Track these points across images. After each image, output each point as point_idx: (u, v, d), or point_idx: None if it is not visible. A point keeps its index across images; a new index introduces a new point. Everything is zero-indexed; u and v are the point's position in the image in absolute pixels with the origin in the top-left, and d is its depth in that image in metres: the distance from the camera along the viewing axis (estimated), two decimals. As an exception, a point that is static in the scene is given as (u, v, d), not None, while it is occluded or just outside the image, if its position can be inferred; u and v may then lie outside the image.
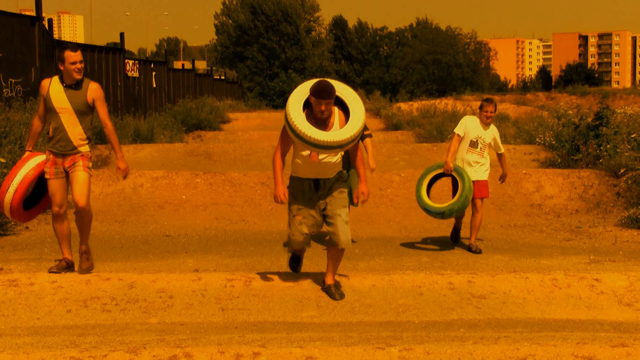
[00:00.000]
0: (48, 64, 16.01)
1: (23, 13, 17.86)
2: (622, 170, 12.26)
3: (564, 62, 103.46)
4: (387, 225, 11.18)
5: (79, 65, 6.56)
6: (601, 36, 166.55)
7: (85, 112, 6.63)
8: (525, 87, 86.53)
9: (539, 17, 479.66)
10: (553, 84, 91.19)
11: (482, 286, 6.43)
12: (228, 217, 11.47)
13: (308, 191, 6.10)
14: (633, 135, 13.45)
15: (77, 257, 6.88)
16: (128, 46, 27.90)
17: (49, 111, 6.63)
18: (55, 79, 6.69)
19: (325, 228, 6.24)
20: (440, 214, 8.79)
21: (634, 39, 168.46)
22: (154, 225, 10.93)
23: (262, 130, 22.15)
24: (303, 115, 5.79)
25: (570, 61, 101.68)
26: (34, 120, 6.88)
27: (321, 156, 5.94)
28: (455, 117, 21.74)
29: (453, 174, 8.83)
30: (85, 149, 6.66)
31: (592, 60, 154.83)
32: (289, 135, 5.91)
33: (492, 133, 8.98)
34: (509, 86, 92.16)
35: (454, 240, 9.42)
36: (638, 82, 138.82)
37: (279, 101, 50.94)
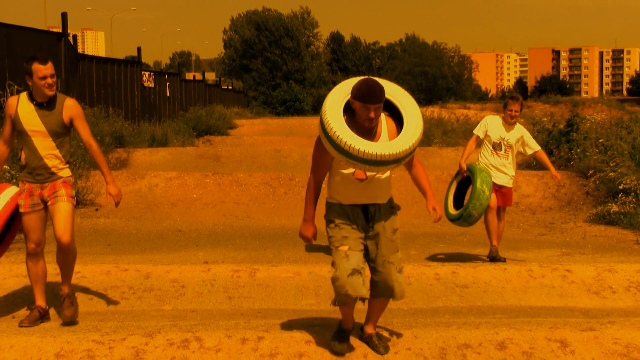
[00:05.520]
0: (72, 75, 16.07)
1: (50, 30, 17.81)
2: (590, 172, 12.28)
3: (538, 74, 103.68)
4: (379, 221, 11.16)
5: (49, 80, 5.01)
6: (572, 51, 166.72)
7: (62, 133, 5.12)
8: (504, 96, 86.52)
9: (516, 33, 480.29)
10: (529, 93, 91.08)
11: (465, 276, 6.42)
12: (235, 214, 11.46)
13: (352, 216, 4.31)
14: (600, 140, 13.46)
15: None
16: (144, 59, 27.83)
17: (20, 135, 5.10)
18: (24, 96, 5.12)
19: (370, 276, 4.43)
20: (458, 219, 7.41)
21: (601, 54, 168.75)
22: (167, 222, 10.91)
23: (265, 135, 22.15)
24: (345, 123, 4.04)
25: (544, 73, 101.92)
26: None
27: (369, 173, 4.22)
28: (440, 124, 21.69)
29: (468, 174, 7.48)
30: (66, 173, 5.17)
31: (564, 72, 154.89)
32: (325, 151, 4.14)
33: (518, 133, 7.55)
34: (489, 95, 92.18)
35: (494, 259, 7.51)
36: (605, 92, 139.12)
37: (281, 109, 51.06)
